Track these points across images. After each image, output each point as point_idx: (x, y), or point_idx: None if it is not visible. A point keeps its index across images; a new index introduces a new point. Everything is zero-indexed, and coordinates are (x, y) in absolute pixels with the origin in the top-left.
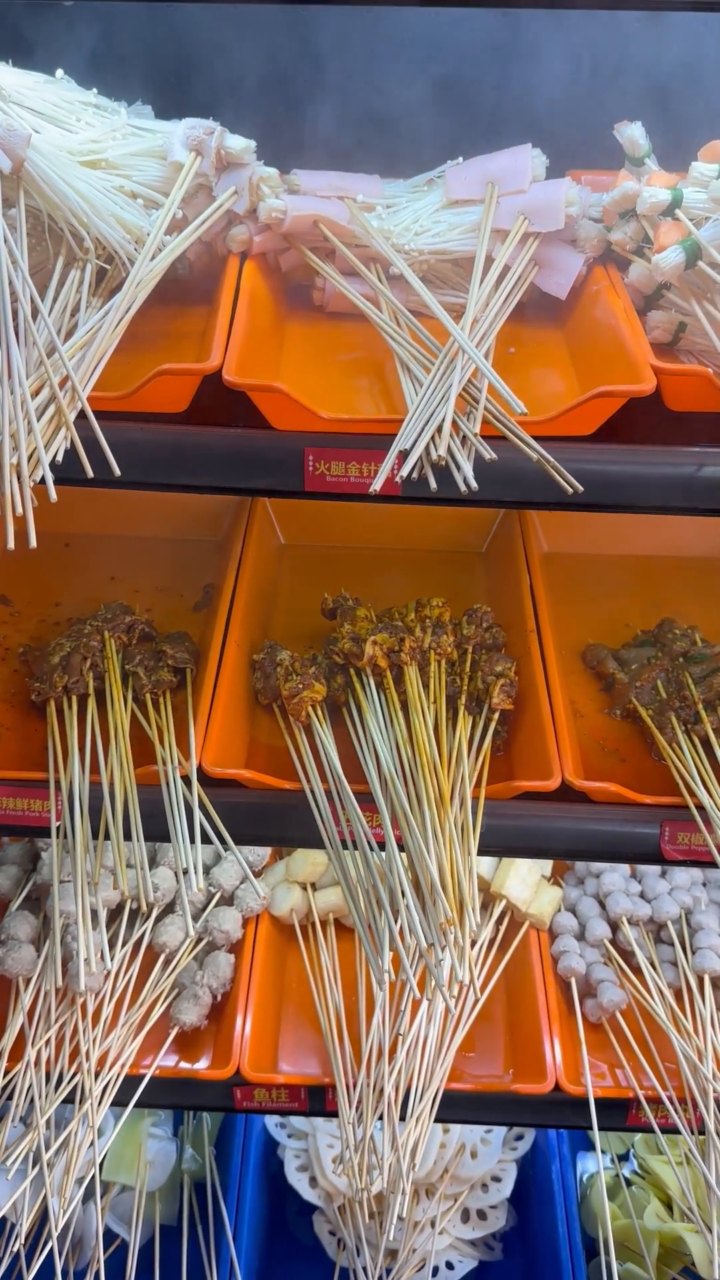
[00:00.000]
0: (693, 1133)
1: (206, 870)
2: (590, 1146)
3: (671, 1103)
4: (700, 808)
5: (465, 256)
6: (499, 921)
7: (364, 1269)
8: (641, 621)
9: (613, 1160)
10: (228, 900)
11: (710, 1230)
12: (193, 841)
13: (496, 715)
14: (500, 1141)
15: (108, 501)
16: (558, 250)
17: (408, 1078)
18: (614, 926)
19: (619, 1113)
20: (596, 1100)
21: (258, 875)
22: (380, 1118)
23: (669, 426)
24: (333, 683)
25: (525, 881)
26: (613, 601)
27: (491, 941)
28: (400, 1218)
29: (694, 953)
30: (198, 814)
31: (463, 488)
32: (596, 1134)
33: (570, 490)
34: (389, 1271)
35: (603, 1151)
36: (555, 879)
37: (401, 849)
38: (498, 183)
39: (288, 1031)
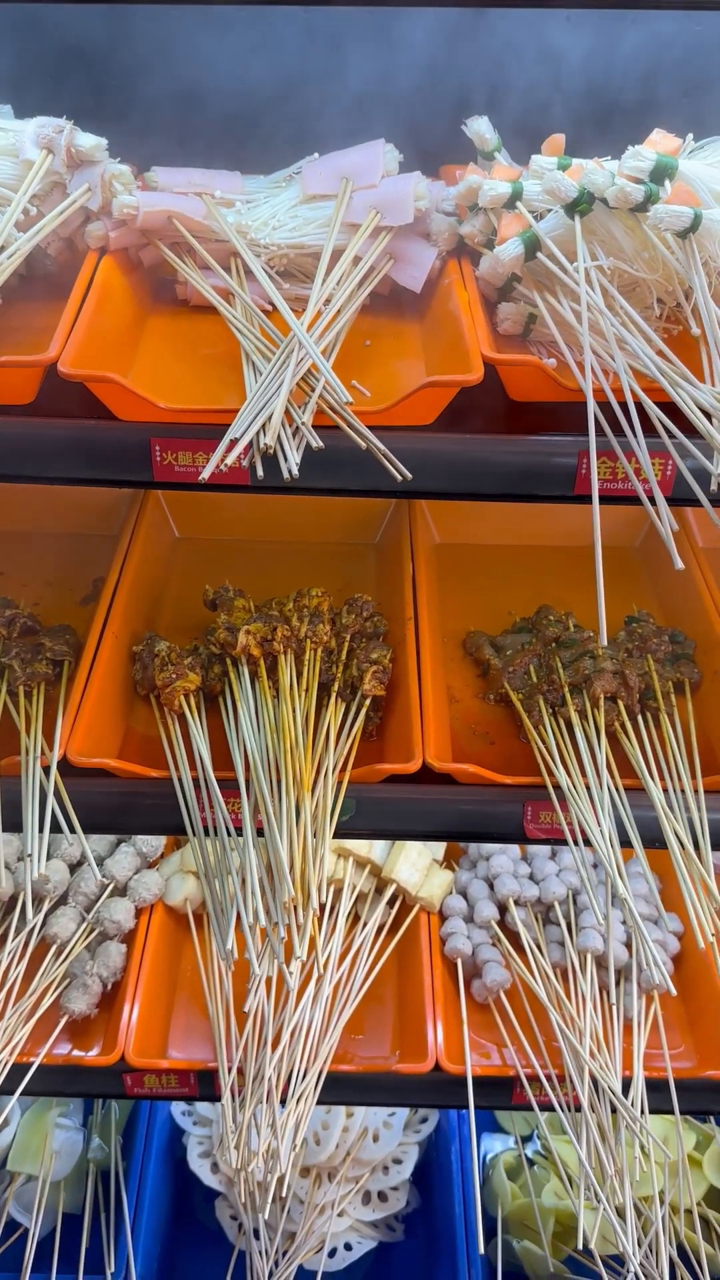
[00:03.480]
0: (568, 1110)
1: (100, 861)
2: (495, 1128)
3: (550, 1080)
4: (557, 787)
5: (320, 249)
6: (390, 905)
7: (262, 1252)
8: (524, 609)
9: (517, 1141)
10: (121, 891)
11: (583, 1200)
12: (41, 829)
13: (368, 701)
14: (402, 1124)
15: None
16: (412, 244)
17: (290, 1063)
18: (504, 909)
19: (504, 1091)
20: (480, 1079)
21: (152, 865)
22: (265, 1100)
23: (514, 416)
24: (210, 673)
25: (415, 866)
26: (499, 590)
27: (382, 926)
28: (301, 1200)
29: (579, 932)
30: (51, 801)
31: (286, 476)
32: (472, 1113)
33: (399, 478)
34: (285, 1254)
35: (506, 1133)
36: (449, 863)
37: (263, 834)
38: (351, 178)
39: (180, 1018)
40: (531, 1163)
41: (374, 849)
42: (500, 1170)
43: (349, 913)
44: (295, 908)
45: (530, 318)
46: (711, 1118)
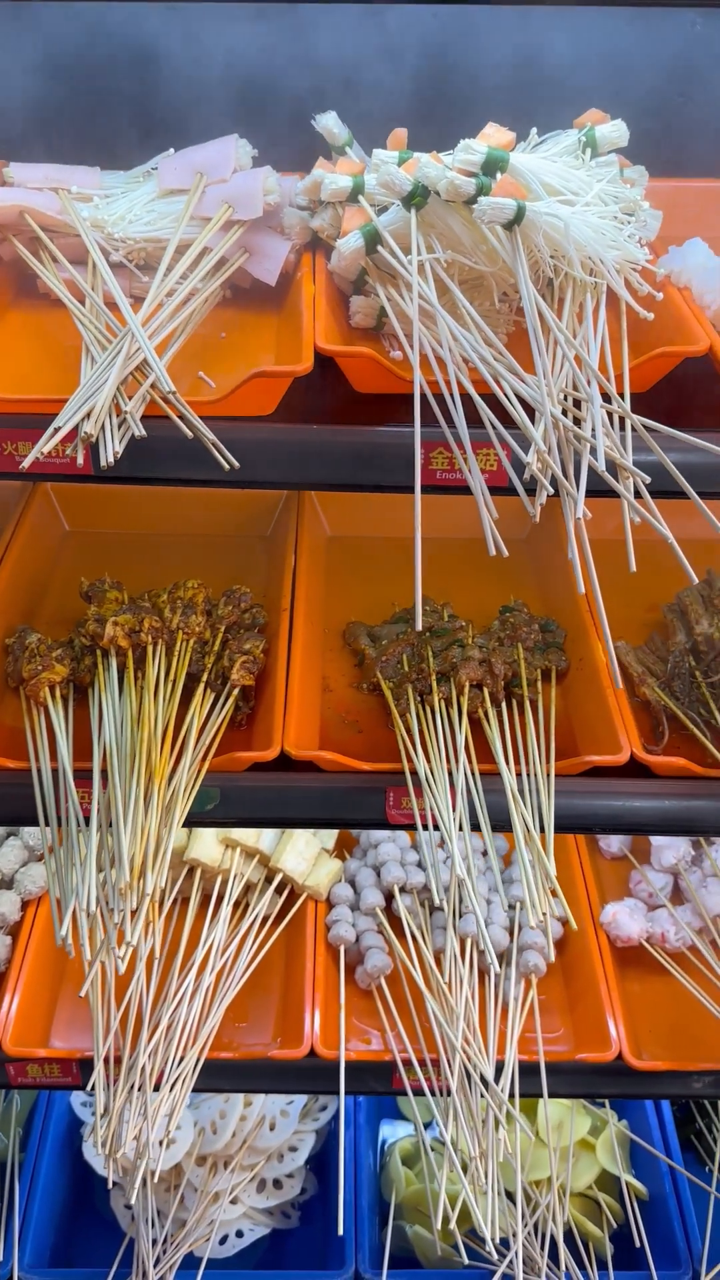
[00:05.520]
0: (435, 1094)
1: None
2: (397, 1114)
3: (423, 1065)
4: (414, 773)
5: (181, 244)
6: (280, 893)
7: (150, 1239)
8: (406, 600)
9: (417, 1127)
10: (7, 883)
11: (444, 1183)
12: None
13: (237, 691)
14: (299, 1112)
15: None
16: (266, 238)
17: (165, 1050)
18: (391, 896)
19: (384, 1076)
20: (356, 1064)
21: (40, 860)
22: (140, 1088)
23: (366, 408)
24: (81, 665)
25: (303, 855)
26: (386, 582)
27: (269, 915)
28: (196, 1188)
29: (460, 918)
30: None
31: (103, 464)
32: (342, 1098)
33: (227, 466)
34: (174, 1242)
35: (407, 1119)
36: (340, 852)
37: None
38: (205, 172)
39: (65, 1009)
40: (432, 1149)
41: (262, 839)
42: (396, 1157)
43: (236, 901)
44: (131, 894)
45: (383, 311)
46: (606, 1102)
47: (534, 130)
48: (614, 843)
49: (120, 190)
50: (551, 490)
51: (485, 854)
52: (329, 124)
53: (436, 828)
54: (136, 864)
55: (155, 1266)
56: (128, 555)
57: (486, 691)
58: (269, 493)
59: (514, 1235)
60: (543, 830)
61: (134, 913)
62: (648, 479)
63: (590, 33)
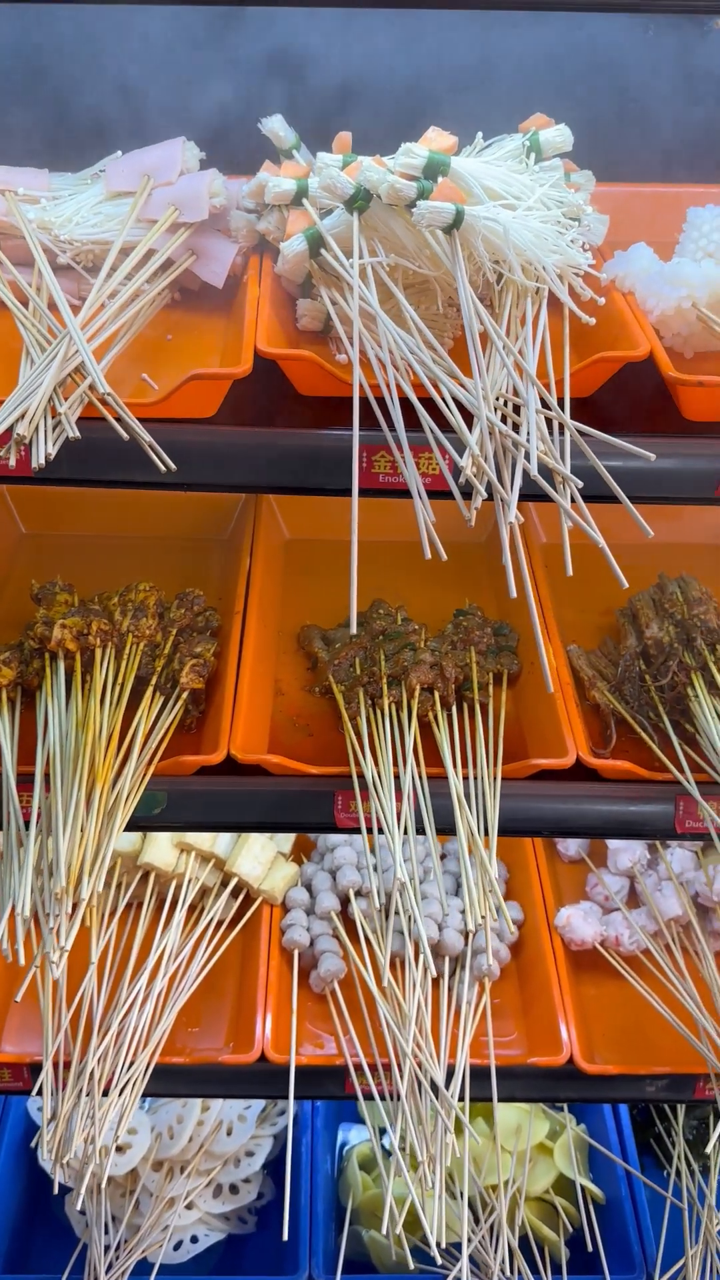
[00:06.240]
0: (385, 1098)
1: None
2: (355, 1119)
3: (374, 1070)
4: (361, 776)
5: (127, 246)
6: (236, 897)
7: (103, 1245)
8: (364, 603)
9: (373, 1132)
10: None
11: (391, 1186)
12: None
13: (186, 694)
14: (256, 1117)
15: None
16: (213, 240)
17: (115, 1055)
18: (347, 900)
19: (336, 1081)
20: (308, 1069)
21: None
22: (89, 1094)
23: (316, 411)
24: (29, 668)
25: (258, 859)
26: (343, 585)
27: (223, 920)
28: (152, 1194)
29: (415, 922)
30: None
31: (35, 465)
32: (291, 1102)
33: (164, 468)
34: (122, 1247)
35: (363, 1123)
36: (298, 856)
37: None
38: (152, 175)
39: (18, 1015)
40: (389, 1153)
41: (217, 843)
42: (354, 1162)
43: (191, 905)
44: (67, 899)
45: (329, 314)
46: (565, 1106)
47: (479, 135)
48: (571, 846)
49: (68, 192)
50: (485, 495)
51: (444, 857)
52: (275, 127)
53: (383, 831)
54: (74, 869)
55: (108, 1272)
56: (85, 558)
57: (437, 695)
58: (228, 495)
59: (465, 1239)
60: (487, 834)
61: (70, 917)
62: (580, 484)
63: (542, 38)
